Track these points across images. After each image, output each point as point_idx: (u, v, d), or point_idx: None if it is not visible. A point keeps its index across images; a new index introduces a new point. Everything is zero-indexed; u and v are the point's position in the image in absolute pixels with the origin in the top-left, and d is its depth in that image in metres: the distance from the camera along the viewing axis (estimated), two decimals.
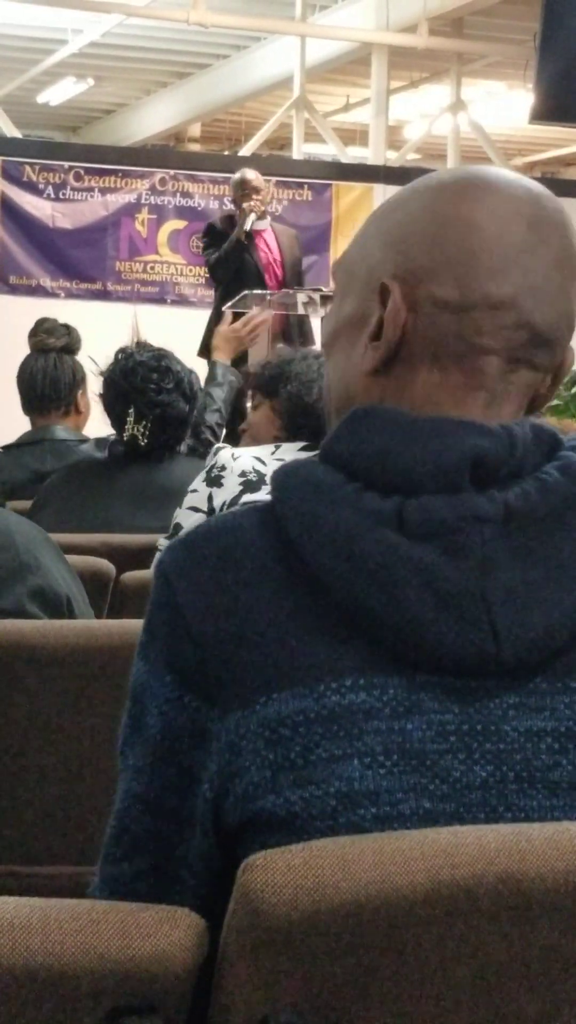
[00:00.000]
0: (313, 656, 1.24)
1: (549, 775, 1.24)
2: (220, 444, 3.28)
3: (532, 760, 1.24)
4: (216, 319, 8.45)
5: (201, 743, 1.26)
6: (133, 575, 3.04)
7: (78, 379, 4.47)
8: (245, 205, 8.52)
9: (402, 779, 1.22)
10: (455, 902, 1.15)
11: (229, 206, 9.71)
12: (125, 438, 3.78)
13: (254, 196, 8.52)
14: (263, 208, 8.59)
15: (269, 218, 8.77)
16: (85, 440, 4.38)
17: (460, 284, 1.32)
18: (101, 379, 3.84)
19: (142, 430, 3.75)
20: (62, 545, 2.64)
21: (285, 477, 1.30)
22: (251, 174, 8.70)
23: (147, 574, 3.01)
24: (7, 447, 4.46)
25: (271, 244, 8.69)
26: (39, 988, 1.16)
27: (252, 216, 8.47)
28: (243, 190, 8.58)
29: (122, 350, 3.88)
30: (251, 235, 8.54)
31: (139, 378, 3.76)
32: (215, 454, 3.22)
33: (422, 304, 1.33)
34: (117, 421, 3.83)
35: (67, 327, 4.61)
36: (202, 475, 3.22)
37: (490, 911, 1.16)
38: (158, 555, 3.15)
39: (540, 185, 1.38)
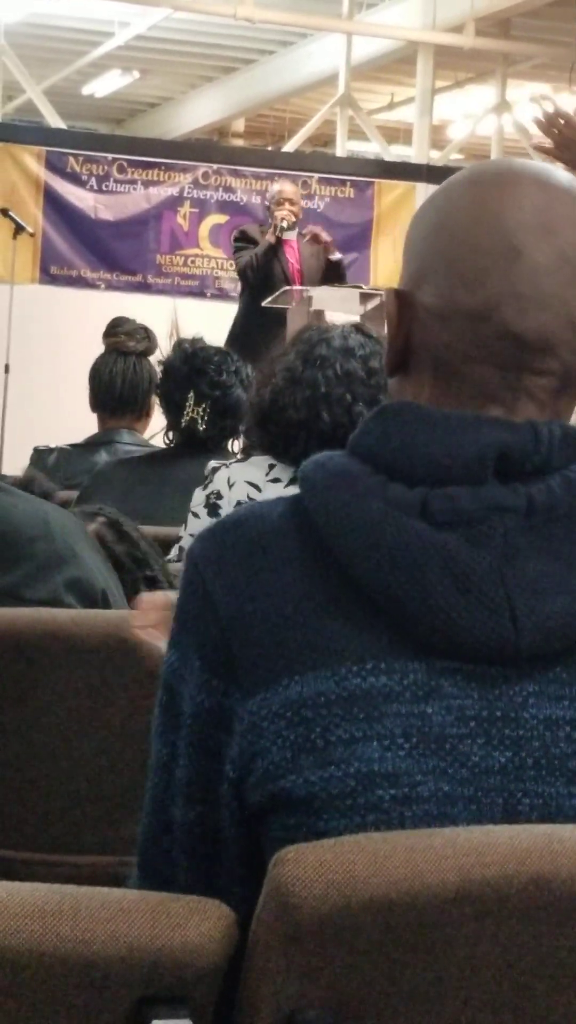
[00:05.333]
0: (336, 640, 1.25)
1: (568, 763, 1.25)
2: (215, 463, 3.15)
3: (551, 748, 1.25)
4: (245, 318, 8.66)
5: (226, 724, 1.28)
6: (177, 567, 3.01)
7: (152, 384, 4.48)
8: (278, 213, 8.86)
9: (421, 762, 1.23)
10: (485, 901, 1.15)
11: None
12: (183, 424, 3.74)
13: (288, 206, 8.88)
14: (294, 220, 8.91)
15: (297, 230, 9.04)
16: (149, 447, 4.38)
17: (440, 292, 1.32)
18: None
19: (202, 413, 3.71)
20: None
21: (313, 469, 1.32)
22: (288, 186, 9.24)
23: None
24: (75, 445, 4.48)
25: (296, 255, 8.99)
26: (68, 975, 1.16)
27: (283, 224, 8.80)
28: (278, 199, 8.97)
29: (179, 341, 3.88)
30: (280, 242, 8.82)
31: (200, 360, 3.74)
32: (212, 473, 3.12)
33: (418, 311, 1.34)
34: (175, 408, 3.79)
35: (146, 330, 4.62)
36: (201, 497, 3.14)
37: (520, 911, 1.16)
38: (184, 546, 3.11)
39: (554, 181, 1.32)
